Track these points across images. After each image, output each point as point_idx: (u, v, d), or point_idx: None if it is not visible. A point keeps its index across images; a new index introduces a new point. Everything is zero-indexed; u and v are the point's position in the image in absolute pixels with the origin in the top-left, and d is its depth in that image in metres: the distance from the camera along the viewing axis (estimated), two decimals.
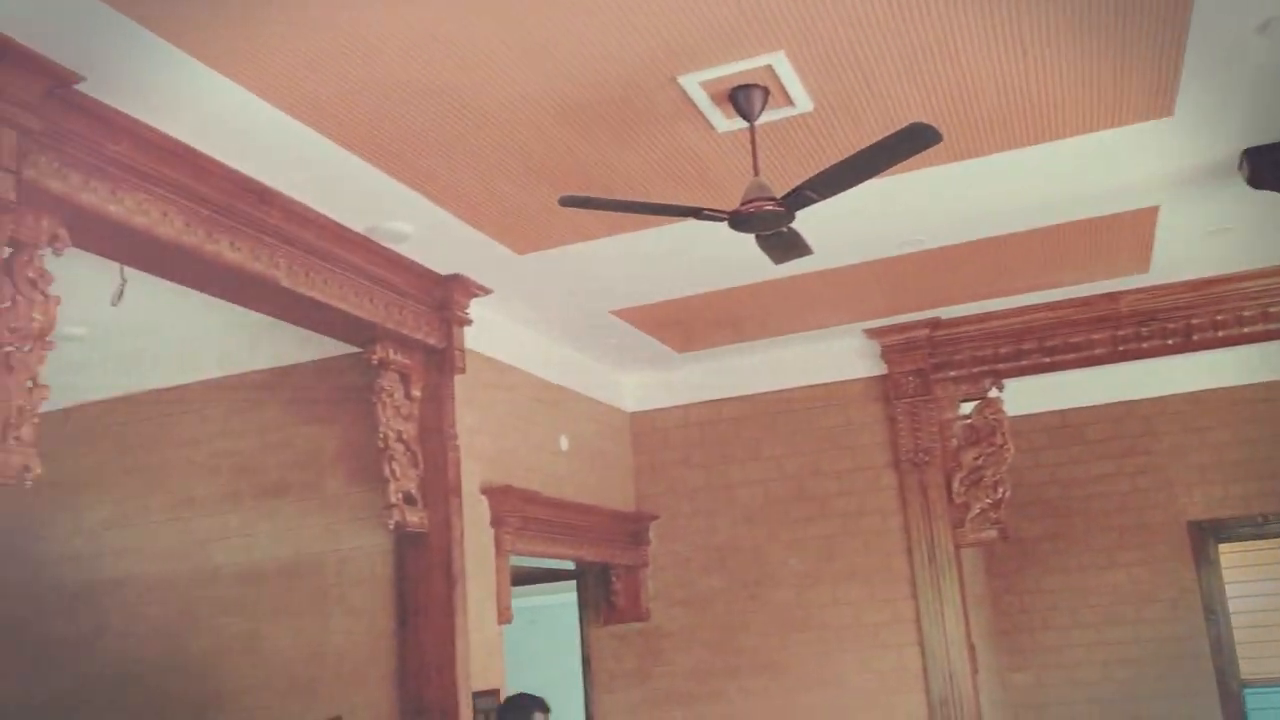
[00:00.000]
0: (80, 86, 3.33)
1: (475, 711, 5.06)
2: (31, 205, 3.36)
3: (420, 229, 4.65)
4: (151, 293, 4.83)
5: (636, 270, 5.39)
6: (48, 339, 3.43)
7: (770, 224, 3.55)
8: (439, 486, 5.17)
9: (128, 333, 5.52)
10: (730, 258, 4.96)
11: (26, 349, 3.36)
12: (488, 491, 5.48)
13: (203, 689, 5.50)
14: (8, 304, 3.32)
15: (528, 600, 7.10)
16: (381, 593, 5.23)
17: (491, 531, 5.48)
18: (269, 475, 5.59)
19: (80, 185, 3.46)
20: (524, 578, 6.62)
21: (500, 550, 5.49)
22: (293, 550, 5.46)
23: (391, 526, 4.97)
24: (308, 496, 5.48)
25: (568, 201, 3.45)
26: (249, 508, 5.60)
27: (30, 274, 3.38)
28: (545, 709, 4.52)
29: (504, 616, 5.44)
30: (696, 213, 3.48)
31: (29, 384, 3.36)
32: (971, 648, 6.37)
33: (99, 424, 6.04)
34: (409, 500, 5.08)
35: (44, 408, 6.06)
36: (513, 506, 5.56)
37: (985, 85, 3.81)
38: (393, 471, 5.02)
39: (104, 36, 3.14)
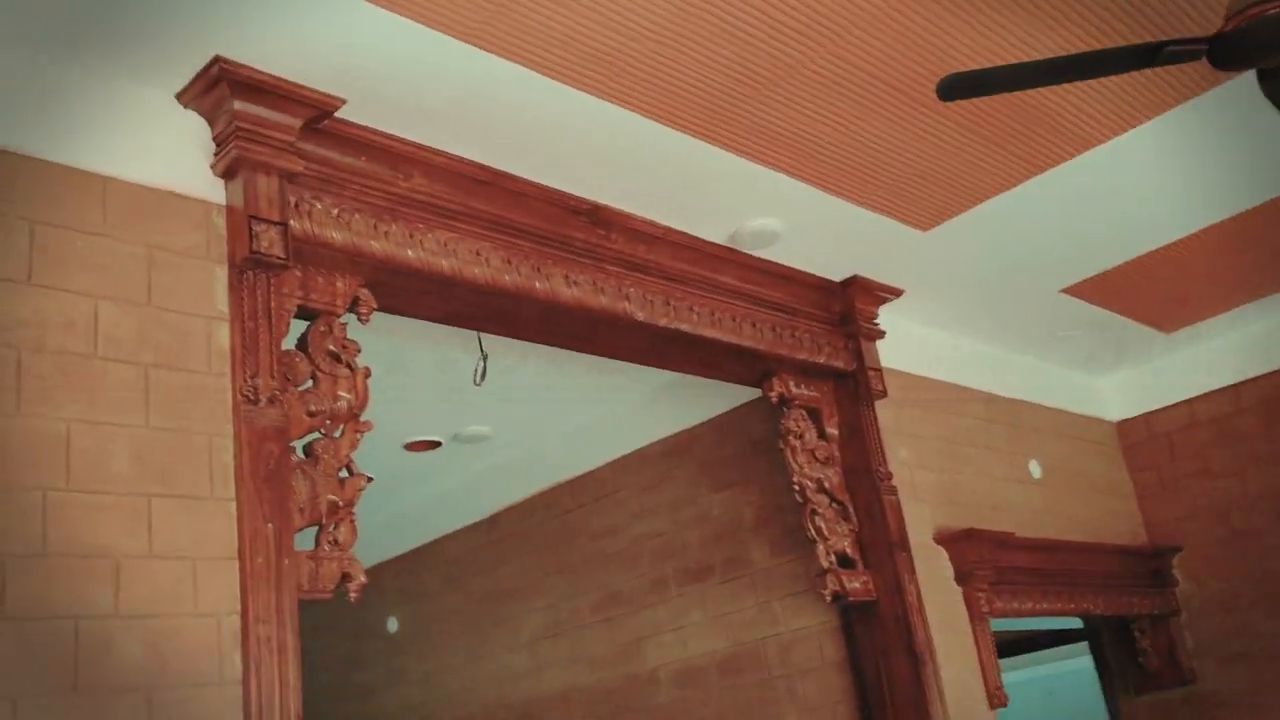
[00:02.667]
0: (342, 113, 2.81)
1: None
2: (317, 263, 2.86)
3: (792, 223, 3.74)
4: (523, 365, 4.33)
5: (1081, 222, 4.11)
6: (361, 419, 2.88)
7: None
8: (880, 541, 4.12)
9: (528, 423, 5.11)
10: (1215, 168, 3.58)
11: (338, 434, 2.83)
12: (944, 540, 4.34)
13: None
14: (307, 384, 2.81)
15: (1031, 671, 5.76)
16: (835, 682, 4.24)
17: (958, 591, 4.32)
18: (689, 556, 4.84)
19: (367, 231, 2.92)
20: (1019, 644, 5.33)
21: (975, 613, 4.30)
22: (728, 640, 4.63)
23: (828, 598, 3.99)
24: (734, 574, 4.65)
25: (952, 89, 2.38)
26: (675, 596, 4.87)
27: (330, 346, 2.86)
28: None
29: (996, 699, 4.23)
30: (1151, 55, 2.27)
31: (343, 474, 2.81)
32: None
33: (521, 526, 5.65)
34: (845, 563, 4.08)
35: (471, 517, 5.66)
36: (981, 556, 4.37)
37: None
38: (818, 530, 4.06)
39: (361, 41, 2.59)
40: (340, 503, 2.76)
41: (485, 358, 3.97)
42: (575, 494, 5.38)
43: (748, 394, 4.49)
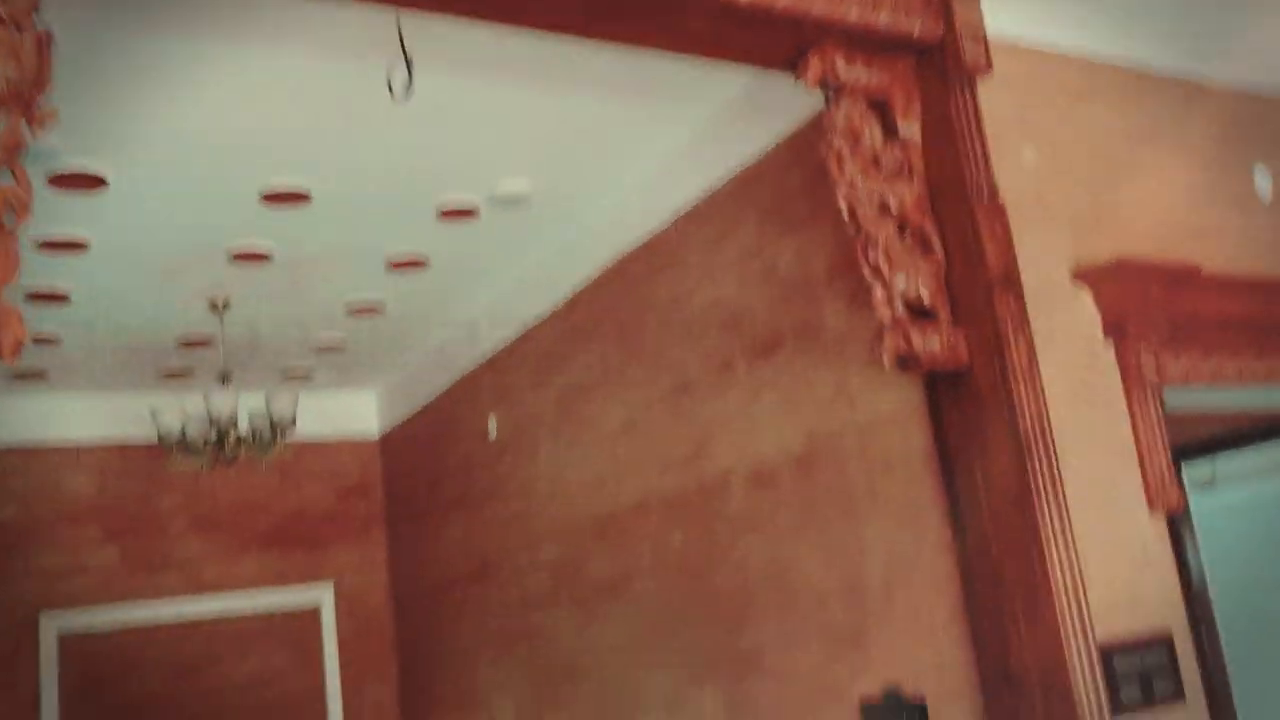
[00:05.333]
0: None
1: (1111, 675, 2.69)
2: None
3: None
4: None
5: None
6: (41, 103, 1.96)
7: None
8: (976, 283, 2.86)
9: (572, 178, 4.14)
10: None
11: None
12: (1089, 278, 2.99)
13: (736, 644, 3.82)
14: None
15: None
16: (921, 480, 3.07)
17: (1108, 349, 2.99)
18: (758, 326, 3.72)
19: None
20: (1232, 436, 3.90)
21: (1133, 379, 2.96)
22: (802, 432, 3.52)
23: (890, 363, 2.80)
24: (807, 345, 3.50)
25: None
26: (745, 378, 3.78)
27: None
28: None
29: (1162, 500, 2.92)
30: None
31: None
32: None
33: (594, 307, 4.68)
34: (920, 313, 2.86)
35: (546, 306, 4.71)
36: (1147, 298, 3.00)
37: None
38: (878, 269, 2.84)
39: None
40: None
41: (410, 62, 2.95)
42: (644, 260, 4.34)
43: (818, 103, 3.24)
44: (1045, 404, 2.76)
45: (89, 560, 6.17)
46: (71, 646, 6.04)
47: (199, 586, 6.40)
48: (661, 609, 4.21)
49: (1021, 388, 2.75)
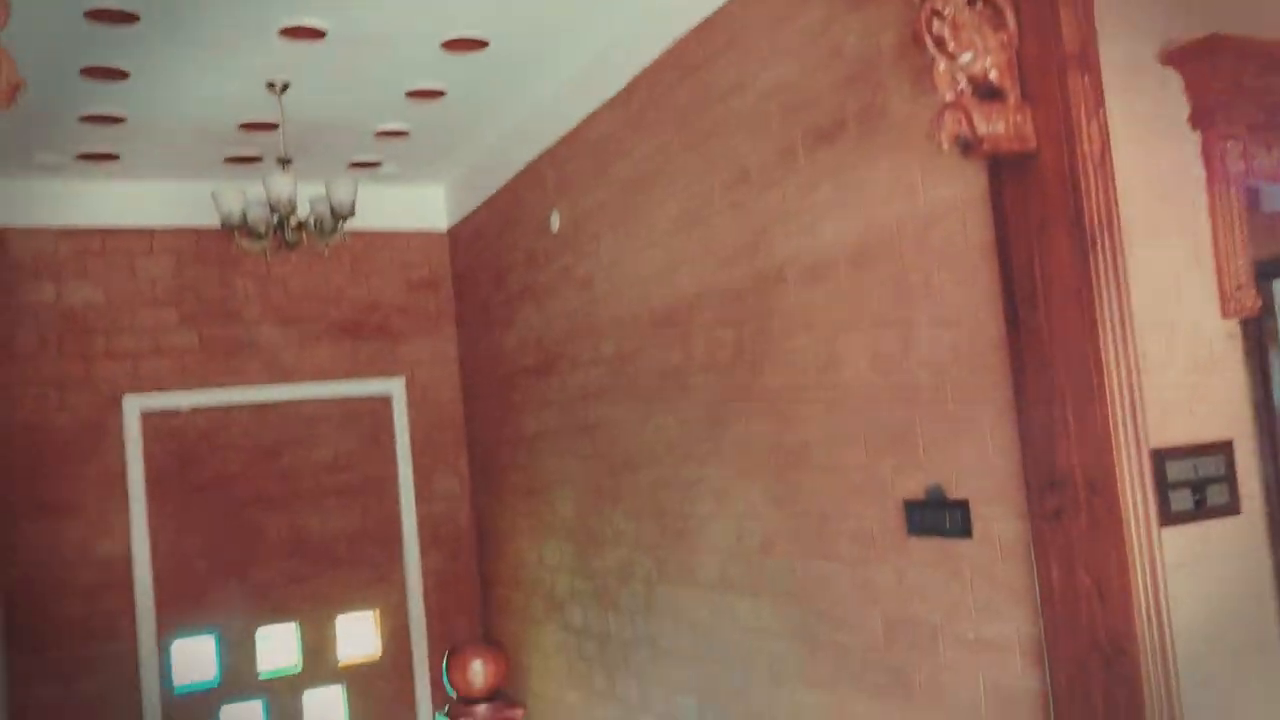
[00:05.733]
0: None
1: (1162, 481, 2.58)
2: None
3: None
4: None
5: None
6: None
7: None
8: (1048, 59, 2.62)
9: None
10: None
11: None
12: (1176, 56, 2.73)
13: (783, 440, 3.78)
14: None
15: None
16: (979, 274, 2.91)
17: (1192, 138, 2.74)
18: (821, 110, 3.51)
19: None
20: None
21: (1215, 171, 2.73)
22: (860, 223, 3.36)
23: (948, 144, 2.61)
24: (870, 130, 3.30)
25: None
26: (805, 167, 3.60)
27: None
28: None
29: (1239, 304, 2.73)
30: None
31: None
32: None
33: (653, 94, 4.48)
34: (987, 93, 2.65)
35: (605, 94, 4.61)
36: (1242, 84, 2.72)
37: None
38: (940, 41, 2.62)
39: None
40: None
41: None
42: (704, 43, 4.10)
43: None
44: (1115, 195, 2.57)
45: (168, 344, 6.34)
46: (154, 427, 6.29)
47: (275, 374, 6.57)
48: (714, 403, 4.17)
49: (1091, 176, 2.55)
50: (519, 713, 3.11)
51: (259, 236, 4.79)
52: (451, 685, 3.11)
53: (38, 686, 5.87)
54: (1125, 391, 2.50)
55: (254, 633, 6.49)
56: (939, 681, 3.11)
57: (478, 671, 3.10)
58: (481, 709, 3.09)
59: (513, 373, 6.15)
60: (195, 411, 6.40)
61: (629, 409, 4.84)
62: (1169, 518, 2.60)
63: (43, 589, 5.93)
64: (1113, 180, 2.57)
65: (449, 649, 3.21)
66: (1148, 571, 2.50)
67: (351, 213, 4.86)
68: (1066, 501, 2.63)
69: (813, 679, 3.67)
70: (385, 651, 6.79)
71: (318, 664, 6.62)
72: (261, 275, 6.54)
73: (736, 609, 4.10)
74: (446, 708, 3.13)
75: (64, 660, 5.94)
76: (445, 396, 7.01)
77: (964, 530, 2.98)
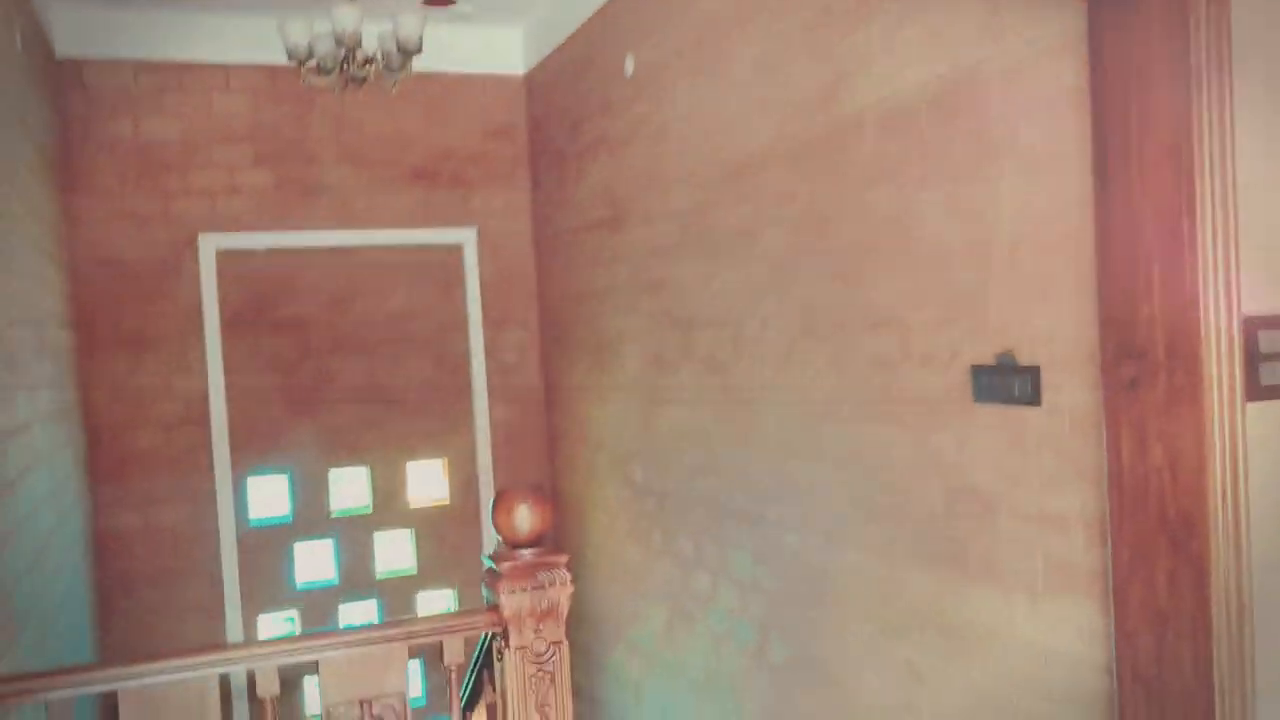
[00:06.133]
0: None
1: (1253, 353, 2.38)
2: None
3: None
4: None
5: None
6: None
7: None
8: None
9: None
10: None
11: None
12: None
13: (852, 299, 3.62)
14: None
15: None
16: (1068, 126, 2.68)
17: None
18: None
19: None
20: None
21: None
22: (944, 67, 3.12)
23: None
24: None
25: None
26: (890, 4, 3.35)
27: None
28: None
29: None
30: None
31: None
32: None
33: None
34: None
35: None
36: None
37: None
38: None
39: None
40: None
41: None
42: None
43: None
44: (1228, 35, 2.31)
45: (244, 182, 6.33)
46: (229, 267, 6.33)
47: (348, 219, 6.54)
48: (782, 261, 4.01)
49: (1203, 10, 2.29)
50: (562, 559, 3.07)
51: (325, 72, 4.67)
52: (497, 529, 3.09)
53: (119, 515, 6.09)
54: (1219, 252, 2.29)
55: (326, 474, 6.63)
56: (996, 555, 3.00)
57: (523, 516, 3.06)
58: (525, 554, 3.06)
59: (584, 226, 6.03)
60: (270, 253, 6.42)
61: (696, 266, 4.70)
62: (1256, 392, 2.41)
63: (123, 421, 6.10)
64: (1228, 19, 2.30)
65: (496, 493, 3.18)
66: (1227, 449, 2.33)
67: (419, 49, 4.71)
68: (1144, 370, 2.45)
69: (868, 545, 3.59)
70: (453, 498, 6.90)
71: (388, 506, 6.75)
72: (336, 117, 6.46)
73: (795, 472, 4.01)
74: (492, 552, 3.12)
75: (144, 490, 6.13)
76: (517, 249, 6.93)
77: (1032, 398, 2.82)
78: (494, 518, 3.07)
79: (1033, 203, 2.80)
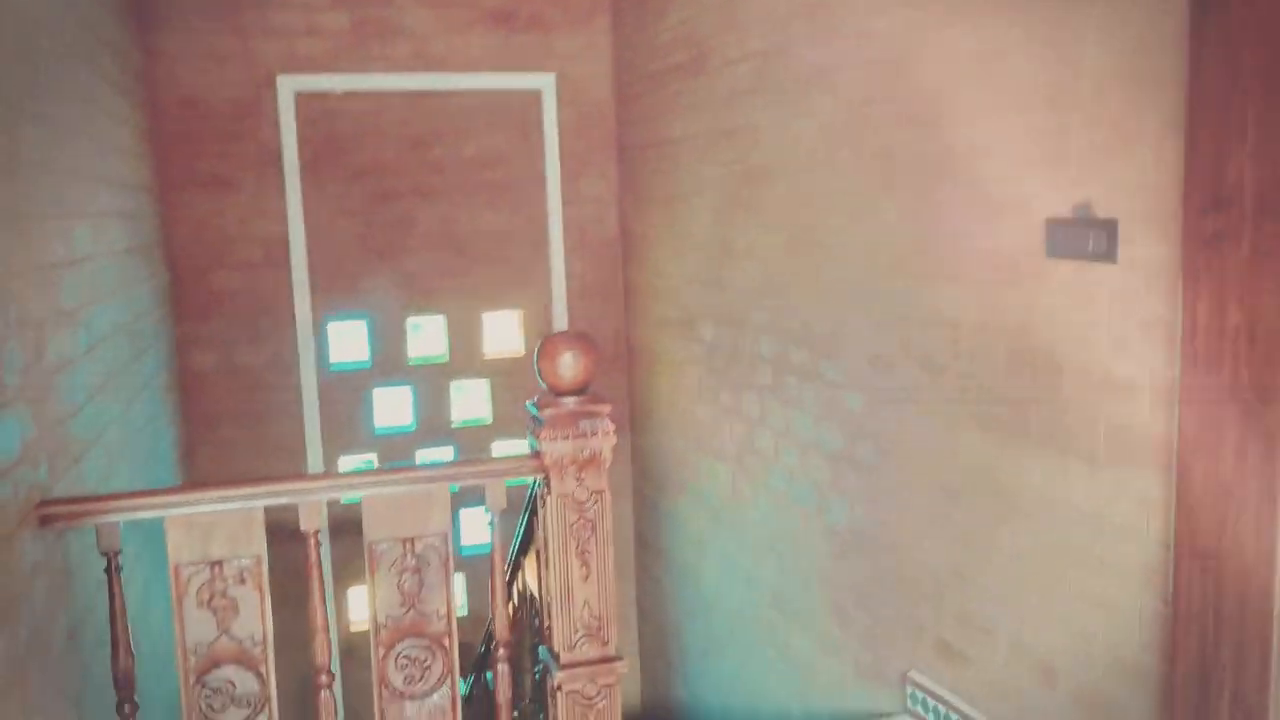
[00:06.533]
0: None
1: None
2: None
3: None
4: None
5: None
6: None
7: None
8: None
9: None
10: None
11: None
12: None
13: (926, 147, 3.40)
14: None
15: None
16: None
17: None
18: None
19: None
20: None
21: None
22: None
23: None
24: None
25: None
26: None
27: None
28: None
29: None
30: None
31: None
32: None
33: None
34: None
35: None
36: None
37: None
38: None
39: None
40: None
41: None
42: None
43: None
44: None
45: (321, 23, 6.22)
46: (308, 109, 6.28)
47: (426, 62, 6.40)
48: (857, 105, 3.78)
49: None
50: (605, 409, 3.01)
51: None
52: (541, 376, 3.03)
53: (200, 354, 6.23)
54: None
55: (404, 321, 6.67)
56: (1058, 420, 2.85)
57: (566, 364, 2.99)
58: (569, 402, 3.00)
59: (663, 70, 5.80)
60: (347, 95, 6.34)
61: (770, 112, 4.48)
62: None
63: (204, 262, 6.18)
64: None
65: (540, 340, 3.10)
66: None
67: None
68: (1230, 224, 2.23)
69: (926, 405, 3.45)
70: (529, 350, 6.90)
71: (464, 356, 6.79)
72: None
73: (859, 330, 3.86)
74: (536, 398, 3.07)
75: (225, 330, 6.25)
76: (596, 95, 6.72)
77: (1108, 254, 2.62)
78: (538, 364, 3.01)
79: (1123, 39, 2.55)
